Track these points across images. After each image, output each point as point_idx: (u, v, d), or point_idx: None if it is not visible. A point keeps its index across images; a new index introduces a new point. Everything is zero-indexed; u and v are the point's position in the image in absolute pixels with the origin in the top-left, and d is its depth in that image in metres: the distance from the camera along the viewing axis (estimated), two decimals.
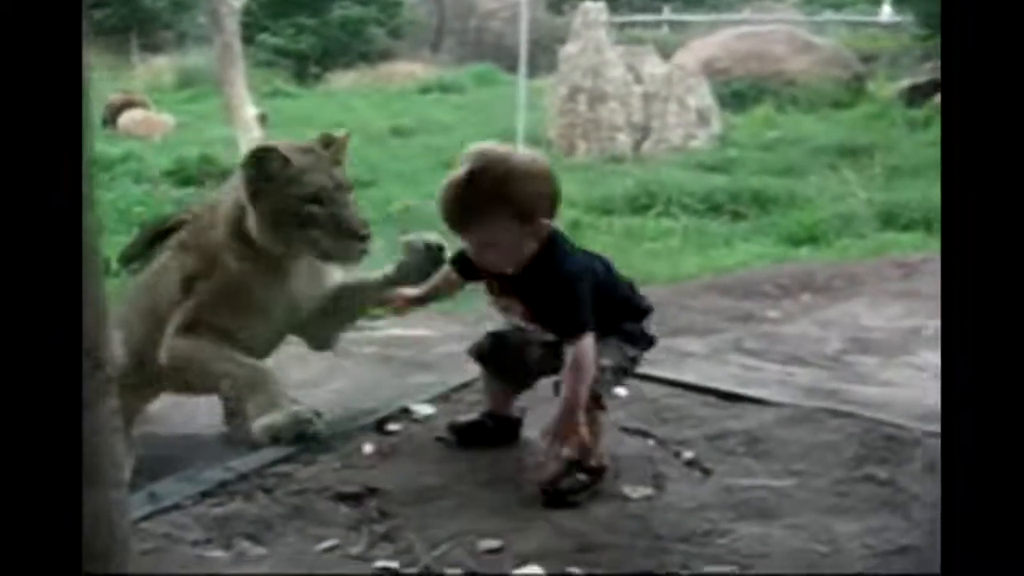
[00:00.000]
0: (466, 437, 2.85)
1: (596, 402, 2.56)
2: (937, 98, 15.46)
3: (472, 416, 2.91)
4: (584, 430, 2.45)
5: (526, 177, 2.49)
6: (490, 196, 2.45)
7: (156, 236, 3.33)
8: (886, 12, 23.39)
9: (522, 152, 2.68)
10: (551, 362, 2.62)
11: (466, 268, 2.76)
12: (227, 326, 3.03)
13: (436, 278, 2.96)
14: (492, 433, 2.86)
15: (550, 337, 2.63)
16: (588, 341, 2.48)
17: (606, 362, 2.57)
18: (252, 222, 2.96)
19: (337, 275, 3.22)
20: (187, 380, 3.13)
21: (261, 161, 2.92)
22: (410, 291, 2.97)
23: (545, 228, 2.52)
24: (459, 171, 2.49)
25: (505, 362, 2.83)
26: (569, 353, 2.47)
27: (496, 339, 2.82)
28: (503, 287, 2.64)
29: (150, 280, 3.22)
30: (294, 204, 2.90)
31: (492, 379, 2.90)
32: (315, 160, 2.98)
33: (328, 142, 3.06)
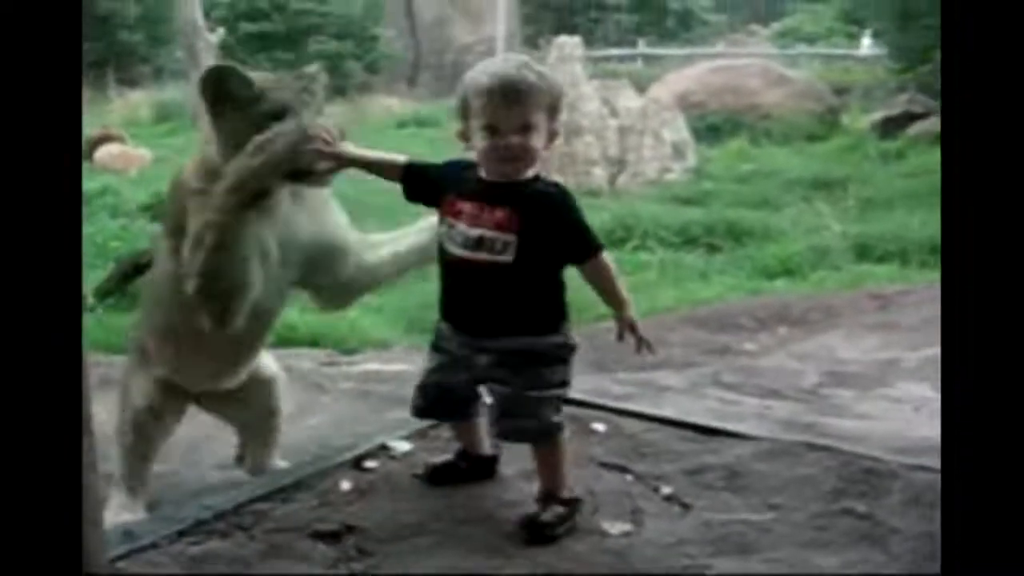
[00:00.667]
0: (440, 478, 2.84)
1: (551, 440, 2.61)
2: (910, 130, 15.60)
3: (446, 457, 2.90)
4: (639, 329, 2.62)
5: (551, 74, 2.71)
6: (538, 81, 2.59)
7: (132, 270, 3.33)
8: (866, 44, 23.56)
9: None
10: (483, 373, 2.66)
11: (417, 188, 2.80)
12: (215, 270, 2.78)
13: (382, 157, 2.87)
14: (466, 473, 2.85)
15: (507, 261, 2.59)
16: (605, 256, 2.66)
17: (546, 406, 2.61)
18: (216, 151, 2.83)
19: (342, 219, 3.13)
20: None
21: (218, 81, 2.84)
22: (351, 149, 2.86)
23: (555, 134, 2.69)
24: (502, 63, 2.65)
25: (445, 404, 2.80)
26: (595, 271, 2.64)
27: (426, 390, 2.78)
28: (490, 201, 2.60)
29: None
30: (256, 121, 2.77)
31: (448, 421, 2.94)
32: (281, 83, 2.90)
33: (300, 76, 2.99)
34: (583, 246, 2.62)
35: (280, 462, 3.33)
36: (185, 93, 16.03)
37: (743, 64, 19.36)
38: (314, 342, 5.95)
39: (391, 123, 20.29)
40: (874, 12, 18.06)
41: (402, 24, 26.62)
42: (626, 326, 2.60)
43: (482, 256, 2.60)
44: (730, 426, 3.18)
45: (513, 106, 2.56)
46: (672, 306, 6.42)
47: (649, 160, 13.05)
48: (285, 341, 6.11)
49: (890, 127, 16.02)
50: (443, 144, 17.17)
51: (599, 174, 12.97)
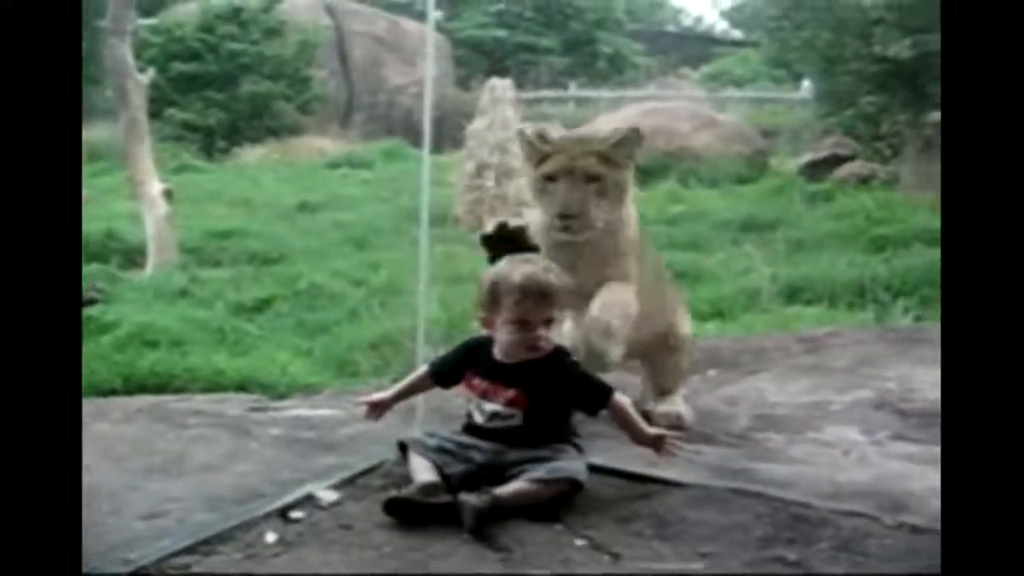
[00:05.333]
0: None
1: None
2: (837, 172, 15.81)
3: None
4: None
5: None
6: (559, 282, 3.07)
7: None
8: (805, 87, 23.88)
9: None
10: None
11: (447, 376, 3.22)
12: None
13: (407, 382, 3.30)
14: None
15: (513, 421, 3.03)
16: (619, 396, 3.11)
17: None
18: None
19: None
20: None
21: (525, 141, 3.55)
22: (379, 395, 3.26)
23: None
24: (529, 265, 3.05)
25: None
26: (613, 414, 3.11)
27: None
28: (503, 380, 3.04)
29: None
30: (535, 179, 3.54)
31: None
32: (573, 145, 3.50)
33: (617, 135, 3.55)
34: (594, 400, 3.10)
35: None
36: (114, 132, 15.82)
37: (673, 107, 19.56)
38: (242, 387, 5.87)
39: (323, 164, 20.22)
40: (801, 57, 18.31)
41: (334, 65, 26.59)
42: (655, 447, 3.10)
43: (496, 424, 3.04)
44: (660, 473, 3.17)
45: (543, 305, 3.00)
46: None
47: None
48: (212, 386, 6.02)
49: (817, 170, 16.25)
50: (375, 184, 17.13)
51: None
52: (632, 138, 3.57)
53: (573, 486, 2.94)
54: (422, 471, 2.94)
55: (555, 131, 3.58)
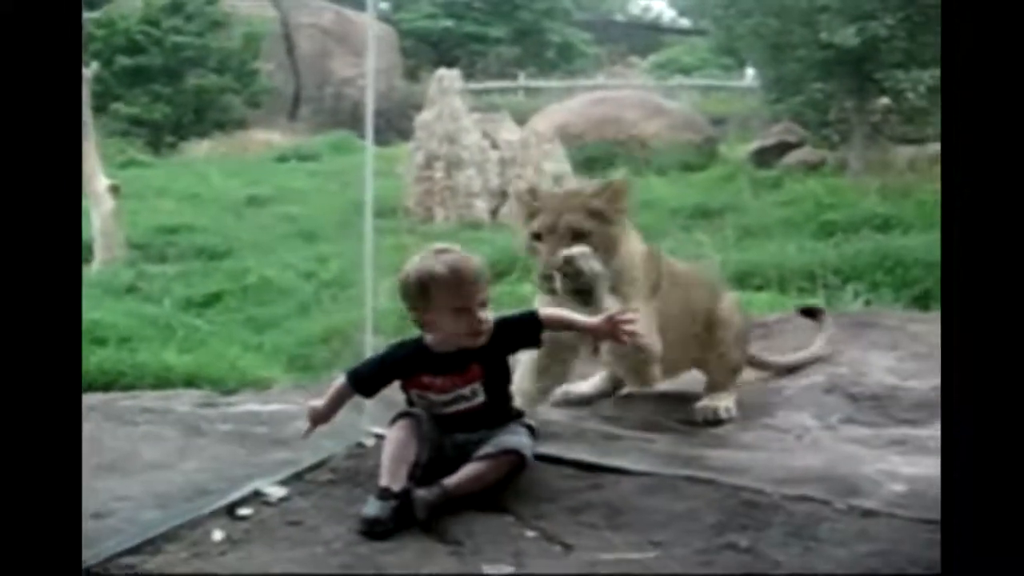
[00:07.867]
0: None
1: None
2: (786, 159, 15.91)
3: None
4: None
5: None
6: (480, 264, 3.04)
7: None
8: (750, 75, 23.99)
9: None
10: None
11: (371, 387, 3.09)
12: None
13: (332, 395, 3.08)
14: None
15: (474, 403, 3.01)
16: (542, 312, 3.16)
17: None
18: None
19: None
20: None
21: (516, 198, 3.61)
22: (315, 403, 3.08)
23: None
24: (444, 255, 2.98)
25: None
26: (551, 325, 3.12)
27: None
28: (454, 368, 2.98)
29: None
30: (526, 238, 3.48)
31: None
32: (559, 201, 3.49)
33: (604, 188, 3.51)
34: (529, 329, 3.09)
35: None
36: None
37: (622, 96, 19.60)
38: (191, 383, 5.82)
39: (271, 157, 20.11)
40: (747, 44, 18.38)
41: (281, 57, 26.41)
42: (612, 335, 3.06)
43: (461, 406, 3.01)
44: (611, 461, 3.16)
45: (478, 287, 2.96)
46: None
47: None
48: (162, 382, 5.97)
49: (766, 156, 16.35)
50: (324, 177, 17.04)
51: (481, 206, 12.99)
52: (618, 188, 3.52)
53: (518, 458, 2.94)
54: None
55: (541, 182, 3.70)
